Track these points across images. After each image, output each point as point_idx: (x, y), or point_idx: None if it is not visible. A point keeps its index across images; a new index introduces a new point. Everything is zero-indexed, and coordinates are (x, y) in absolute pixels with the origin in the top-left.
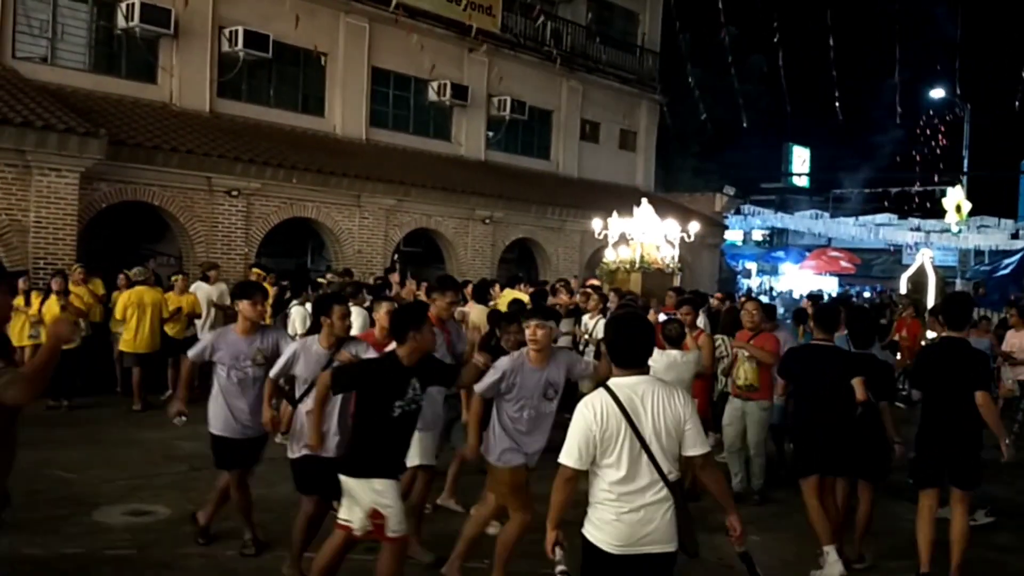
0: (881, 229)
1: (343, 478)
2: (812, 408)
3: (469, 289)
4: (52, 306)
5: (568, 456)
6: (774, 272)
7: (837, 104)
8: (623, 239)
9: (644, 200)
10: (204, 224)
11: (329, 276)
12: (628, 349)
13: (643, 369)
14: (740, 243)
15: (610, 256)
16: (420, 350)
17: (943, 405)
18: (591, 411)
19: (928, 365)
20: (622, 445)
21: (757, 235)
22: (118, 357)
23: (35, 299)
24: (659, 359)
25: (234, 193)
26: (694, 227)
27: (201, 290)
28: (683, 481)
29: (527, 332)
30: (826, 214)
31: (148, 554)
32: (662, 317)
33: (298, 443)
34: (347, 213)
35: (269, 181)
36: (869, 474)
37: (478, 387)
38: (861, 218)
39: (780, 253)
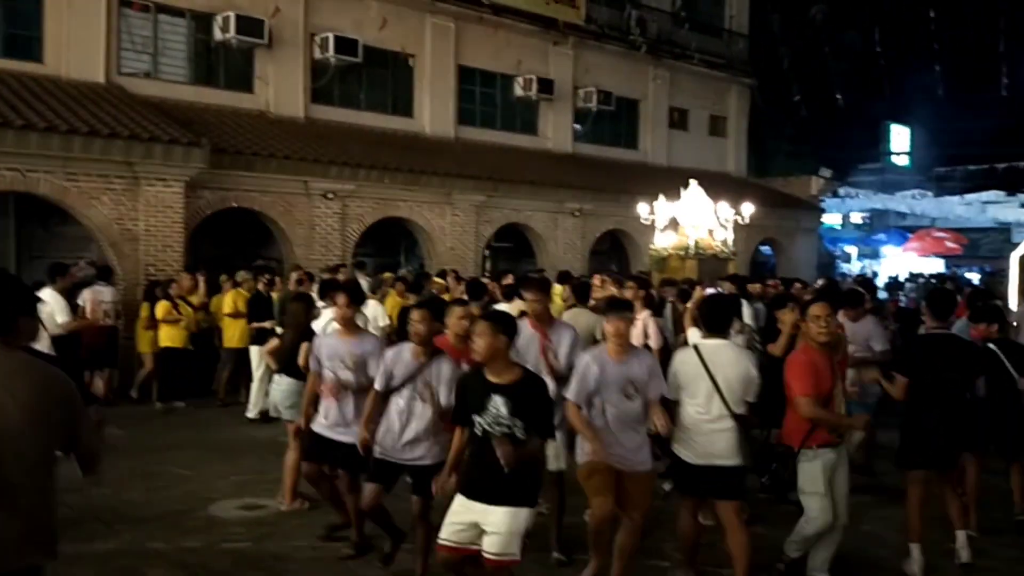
0: (989, 207)
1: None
2: (929, 400)
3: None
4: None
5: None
6: (875, 256)
7: (938, 77)
8: (672, 224)
9: (693, 182)
10: (303, 227)
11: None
12: (714, 320)
13: (724, 335)
14: (839, 227)
15: (659, 243)
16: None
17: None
18: (680, 361)
19: None
20: (699, 386)
21: (856, 218)
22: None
23: (161, 307)
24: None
25: (330, 195)
26: (748, 209)
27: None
28: (747, 416)
29: (607, 327)
30: (929, 193)
31: (263, 547)
32: (708, 292)
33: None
34: (438, 211)
35: (363, 182)
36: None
37: (569, 394)
38: (967, 196)
39: (881, 236)
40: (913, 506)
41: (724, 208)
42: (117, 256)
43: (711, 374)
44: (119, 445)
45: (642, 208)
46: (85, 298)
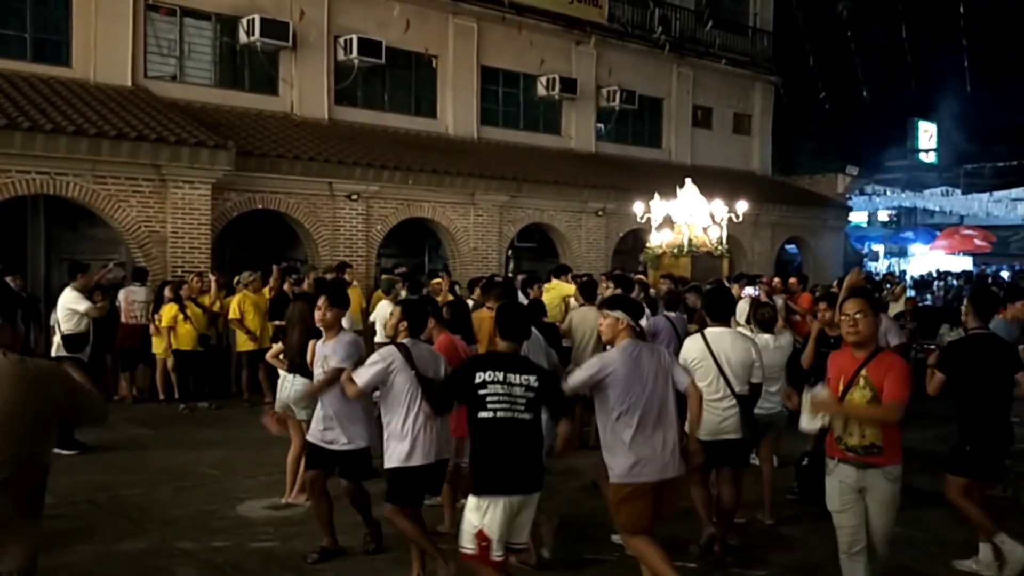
0: (1019, 204)
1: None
2: (980, 405)
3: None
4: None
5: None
6: (903, 254)
7: (965, 72)
8: (667, 222)
9: (688, 180)
10: (327, 228)
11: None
12: (718, 310)
13: (727, 323)
14: (865, 224)
15: (655, 240)
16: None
17: None
18: (688, 348)
19: None
20: (707, 369)
21: (883, 215)
22: (236, 358)
23: (166, 312)
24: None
25: (354, 197)
26: (742, 206)
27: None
28: (750, 397)
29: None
30: (957, 190)
31: (291, 547)
32: (747, 291)
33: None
34: (462, 211)
35: (387, 183)
36: None
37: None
38: (996, 193)
39: (909, 234)
40: (973, 513)
41: (718, 205)
42: (145, 258)
43: (716, 359)
44: (148, 444)
45: (637, 207)
46: (120, 298)
